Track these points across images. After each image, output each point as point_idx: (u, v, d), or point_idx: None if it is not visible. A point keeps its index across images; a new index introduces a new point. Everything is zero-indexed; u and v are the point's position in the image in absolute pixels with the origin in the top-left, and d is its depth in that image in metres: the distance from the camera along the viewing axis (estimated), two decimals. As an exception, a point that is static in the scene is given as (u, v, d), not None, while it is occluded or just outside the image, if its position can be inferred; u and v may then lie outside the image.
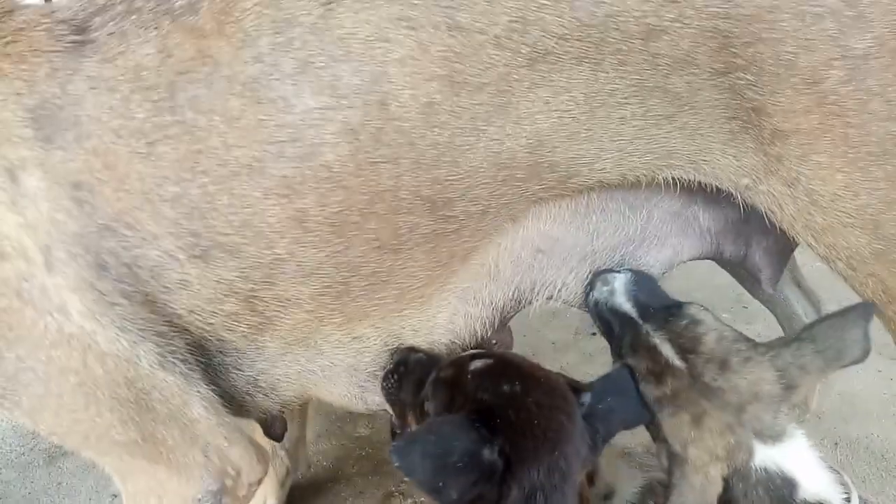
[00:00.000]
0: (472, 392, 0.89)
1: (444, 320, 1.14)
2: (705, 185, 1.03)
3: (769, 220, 1.01)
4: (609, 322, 1.07)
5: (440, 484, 0.78)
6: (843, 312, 1.00)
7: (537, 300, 1.17)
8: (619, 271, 1.10)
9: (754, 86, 0.91)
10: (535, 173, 1.00)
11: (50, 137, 0.90)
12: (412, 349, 1.08)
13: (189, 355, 1.02)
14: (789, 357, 0.99)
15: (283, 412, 1.24)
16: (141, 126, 0.91)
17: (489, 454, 0.80)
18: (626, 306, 1.05)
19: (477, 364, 0.93)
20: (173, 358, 1.00)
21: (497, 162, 0.97)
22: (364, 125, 0.92)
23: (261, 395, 1.13)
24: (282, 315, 1.04)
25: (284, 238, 0.97)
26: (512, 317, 1.21)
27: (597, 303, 1.08)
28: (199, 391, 1.01)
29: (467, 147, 0.95)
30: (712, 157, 1.00)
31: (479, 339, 1.19)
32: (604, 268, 1.13)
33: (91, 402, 0.95)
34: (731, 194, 1.02)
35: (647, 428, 1.04)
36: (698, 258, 1.19)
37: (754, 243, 1.18)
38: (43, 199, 0.90)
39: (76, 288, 0.92)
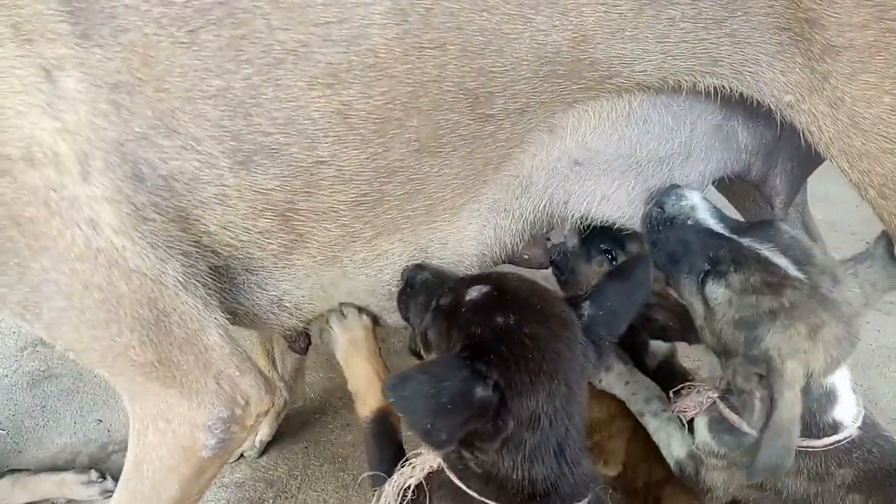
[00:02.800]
0: (466, 325, 0.87)
1: (474, 232, 1.12)
2: (747, 98, 1.00)
3: (805, 140, 0.99)
4: (684, 240, 1.02)
5: (429, 425, 0.77)
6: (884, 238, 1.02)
7: (571, 215, 1.14)
8: (688, 187, 1.06)
9: None
10: (576, 70, 0.97)
11: (87, 34, 0.84)
12: (420, 267, 1.06)
13: (209, 280, 1.00)
14: (863, 274, 1.00)
15: (308, 329, 1.25)
16: (181, 12, 0.85)
17: (482, 391, 0.79)
18: (712, 222, 1.02)
19: (473, 293, 0.90)
20: (195, 281, 0.97)
21: (541, 55, 0.94)
22: (413, 5, 0.88)
23: (286, 315, 1.13)
24: (315, 231, 1.02)
25: (328, 137, 0.94)
26: (544, 231, 1.20)
27: (671, 219, 1.03)
28: (215, 318, 0.99)
29: (514, 36, 0.92)
30: (758, 69, 0.96)
31: (510, 252, 1.17)
32: (655, 183, 1.09)
33: (112, 321, 0.92)
34: (771, 111, 0.99)
35: (718, 354, 1.04)
36: (730, 176, 1.16)
37: (779, 165, 1.16)
38: (82, 102, 0.84)
39: (111, 200, 0.88)
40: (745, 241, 0.99)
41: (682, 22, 0.93)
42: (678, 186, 1.06)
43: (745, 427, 1.03)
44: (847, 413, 1.03)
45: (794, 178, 1.18)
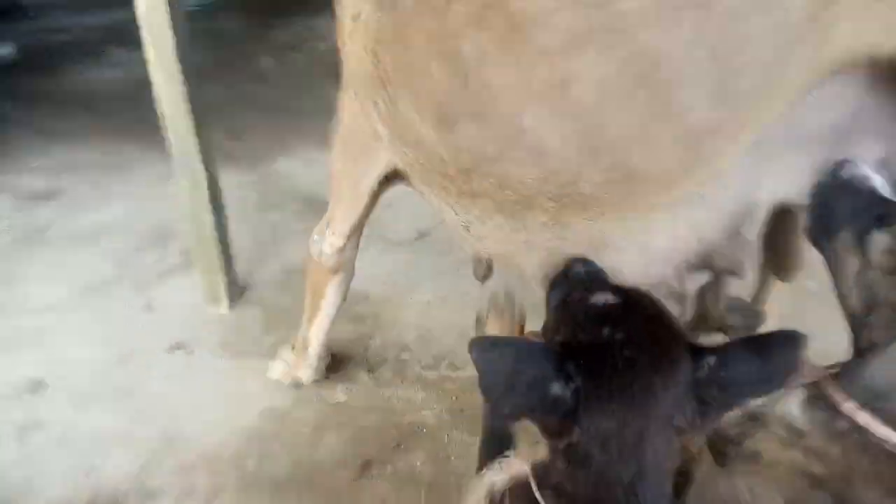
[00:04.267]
0: (575, 327, 0.87)
1: (665, 224, 1.11)
2: None
3: None
4: (852, 204, 1.05)
5: (498, 396, 0.80)
6: None
7: (764, 200, 1.14)
8: (859, 160, 1.08)
9: None
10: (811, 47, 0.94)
11: None
12: (582, 262, 1.07)
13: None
14: None
15: (490, 260, 1.40)
16: None
17: (559, 389, 0.80)
18: (883, 189, 1.05)
19: (599, 299, 0.89)
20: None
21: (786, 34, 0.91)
22: None
23: (472, 239, 1.29)
24: (491, 192, 1.15)
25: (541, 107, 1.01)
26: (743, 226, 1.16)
27: (843, 185, 1.06)
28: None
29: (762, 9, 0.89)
30: None
31: (707, 249, 1.14)
32: (826, 157, 1.10)
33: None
34: None
35: (855, 318, 1.01)
36: None
37: None
38: None
39: None
40: None
41: None
42: (849, 160, 1.08)
43: (845, 407, 0.97)
44: None
45: None
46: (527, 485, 0.90)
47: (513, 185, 1.10)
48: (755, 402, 1.04)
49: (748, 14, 0.90)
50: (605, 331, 0.83)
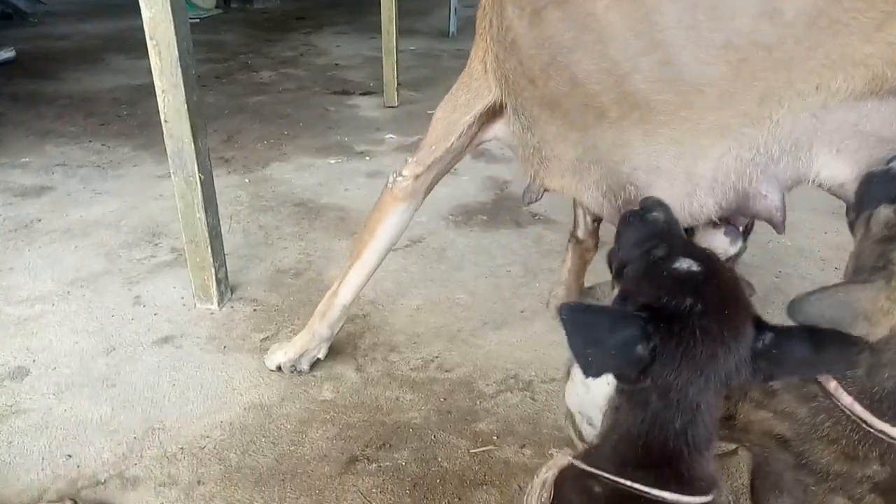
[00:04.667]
0: (659, 288, 0.94)
1: (716, 154, 1.18)
2: None
3: None
4: (888, 187, 1.09)
5: (588, 357, 0.88)
6: None
7: (812, 168, 1.19)
8: None
9: None
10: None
11: None
12: (662, 205, 1.10)
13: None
14: None
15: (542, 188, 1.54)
16: None
17: (642, 350, 0.89)
18: None
19: (684, 264, 0.95)
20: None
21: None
22: None
23: (538, 164, 1.45)
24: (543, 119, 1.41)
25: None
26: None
27: (890, 170, 1.11)
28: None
29: None
30: None
31: (745, 190, 1.20)
32: (878, 154, 1.16)
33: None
34: None
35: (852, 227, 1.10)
36: None
37: None
38: None
39: None
40: None
41: None
42: None
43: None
44: None
45: None
46: (572, 471, 1.00)
47: (582, 81, 1.21)
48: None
49: None
50: (688, 300, 0.90)
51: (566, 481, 1.02)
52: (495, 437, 1.86)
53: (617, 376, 0.94)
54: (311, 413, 1.94)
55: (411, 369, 2.13)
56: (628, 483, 0.91)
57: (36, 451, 1.78)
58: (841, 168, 1.18)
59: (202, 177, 2.24)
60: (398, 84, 4.60)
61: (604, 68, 1.19)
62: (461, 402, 1.99)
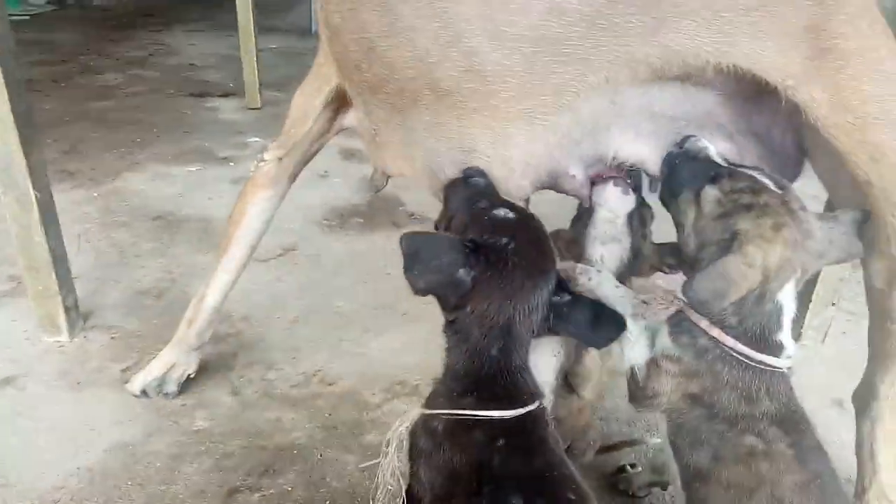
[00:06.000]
0: (480, 228, 1.12)
1: (523, 140, 1.29)
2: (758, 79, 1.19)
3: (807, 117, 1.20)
4: (693, 168, 1.25)
5: (416, 272, 1.04)
6: (844, 213, 1.22)
7: (611, 148, 1.33)
8: (703, 137, 1.30)
9: None
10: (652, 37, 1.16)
11: None
12: (482, 173, 1.29)
13: None
14: (826, 229, 1.19)
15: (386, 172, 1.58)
16: None
17: (464, 274, 1.06)
18: (718, 158, 1.27)
19: (500, 212, 1.15)
20: None
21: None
22: None
23: (376, 149, 1.50)
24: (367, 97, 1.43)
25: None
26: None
27: (688, 154, 1.27)
28: None
29: None
30: (769, 57, 1.16)
31: (555, 169, 1.33)
32: (672, 138, 1.32)
33: None
34: (778, 92, 1.19)
35: (691, 260, 1.23)
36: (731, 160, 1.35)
37: (773, 152, 1.37)
38: None
39: None
40: (740, 169, 1.22)
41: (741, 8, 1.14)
42: (695, 135, 1.30)
43: (702, 324, 1.20)
44: (789, 342, 1.19)
45: (786, 166, 1.37)
46: (421, 425, 1.13)
47: (398, 67, 1.28)
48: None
49: None
50: (503, 239, 1.09)
51: (416, 429, 1.14)
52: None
53: (441, 301, 1.11)
54: (183, 446, 1.78)
55: (291, 386, 2.02)
56: (458, 412, 1.06)
57: None
58: (640, 147, 1.33)
59: (38, 194, 2.00)
60: (260, 84, 4.39)
61: (416, 55, 1.24)
62: (347, 416, 1.91)
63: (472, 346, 1.09)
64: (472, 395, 1.08)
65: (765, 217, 1.13)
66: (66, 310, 2.16)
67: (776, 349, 1.18)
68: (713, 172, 1.22)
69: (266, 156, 1.75)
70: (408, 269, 1.04)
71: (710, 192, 1.20)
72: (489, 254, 1.07)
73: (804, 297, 2.29)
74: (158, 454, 1.75)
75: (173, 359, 1.91)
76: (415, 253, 1.04)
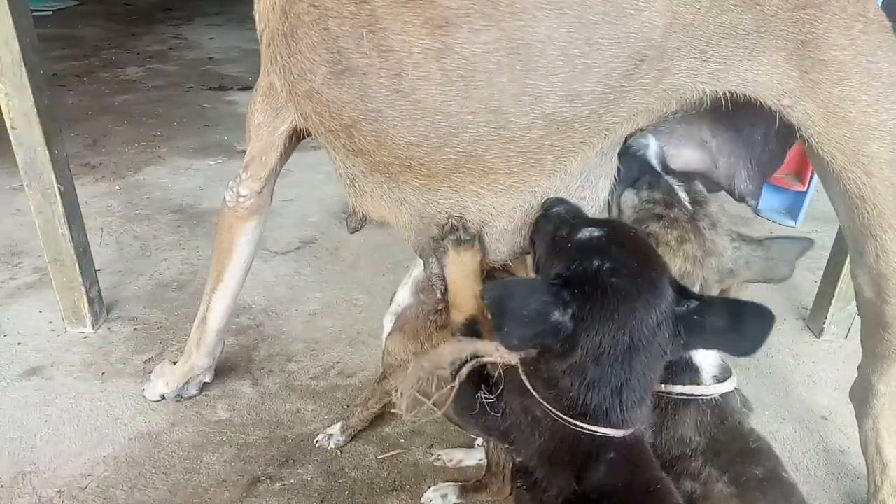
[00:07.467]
0: (567, 259, 0.98)
1: (508, 210, 1.27)
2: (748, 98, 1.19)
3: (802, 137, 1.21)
4: (630, 165, 1.29)
5: (506, 328, 0.90)
6: (791, 240, 1.21)
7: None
8: (650, 134, 1.32)
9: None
10: (652, 70, 1.14)
11: None
12: (560, 200, 1.19)
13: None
14: (746, 252, 1.20)
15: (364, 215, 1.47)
16: None
17: (559, 315, 0.91)
18: (653, 160, 1.29)
19: (585, 233, 1.00)
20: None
21: (634, 46, 1.10)
22: None
23: (355, 193, 1.39)
24: (370, 149, 1.26)
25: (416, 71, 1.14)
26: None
27: (630, 150, 1.30)
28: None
29: (624, 18, 1.08)
30: (763, 78, 1.17)
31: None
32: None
33: None
34: (772, 111, 1.19)
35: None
36: (701, 172, 1.43)
37: (741, 166, 1.41)
38: None
39: None
40: (666, 177, 1.27)
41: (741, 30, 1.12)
42: (643, 132, 1.30)
43: None
44: (707, 361, 1.17)
45: (753, 178, 1.40)
46: (517, 376, 1.02)
47: (388, 145, 1.19)
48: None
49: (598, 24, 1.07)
50: (594, 261, 0.94)
51: (513, 382, 1.03)
52: (402, 440, 1.81)
53: (542, 347, 0.96)
54: (206, 436, 1.81)
55: (311, 378, 2.04)
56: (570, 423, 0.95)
57: None
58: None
59: (62, 188, 2.03)
60: (278, 77, 4.41)
61: (415, 139, 1.18)
62: (366, 408, 1.93)
63: (589, 381, 0.94)
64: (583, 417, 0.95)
65: (672, 229, 1.18)
66: (90, 301, 2.19)
67: (689, 373, 1.12)
68: (637, 177, 1.26)
69: (243, 191, 1.65)
70: (497, 329, 0.91)
71: (629, 197, 1.26)
72: (583, 284, 0.92)
73: (826, 293, 2.27)
74: (181, 443, 1.78)
75: (187, 374, 1.90)
76: (499, 306, 0.91)
